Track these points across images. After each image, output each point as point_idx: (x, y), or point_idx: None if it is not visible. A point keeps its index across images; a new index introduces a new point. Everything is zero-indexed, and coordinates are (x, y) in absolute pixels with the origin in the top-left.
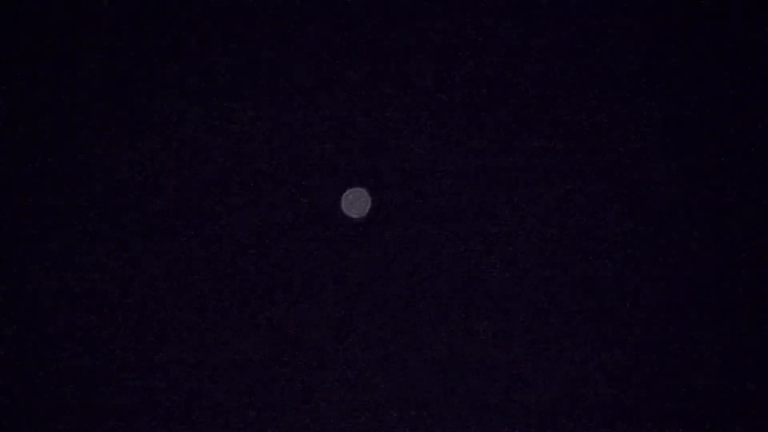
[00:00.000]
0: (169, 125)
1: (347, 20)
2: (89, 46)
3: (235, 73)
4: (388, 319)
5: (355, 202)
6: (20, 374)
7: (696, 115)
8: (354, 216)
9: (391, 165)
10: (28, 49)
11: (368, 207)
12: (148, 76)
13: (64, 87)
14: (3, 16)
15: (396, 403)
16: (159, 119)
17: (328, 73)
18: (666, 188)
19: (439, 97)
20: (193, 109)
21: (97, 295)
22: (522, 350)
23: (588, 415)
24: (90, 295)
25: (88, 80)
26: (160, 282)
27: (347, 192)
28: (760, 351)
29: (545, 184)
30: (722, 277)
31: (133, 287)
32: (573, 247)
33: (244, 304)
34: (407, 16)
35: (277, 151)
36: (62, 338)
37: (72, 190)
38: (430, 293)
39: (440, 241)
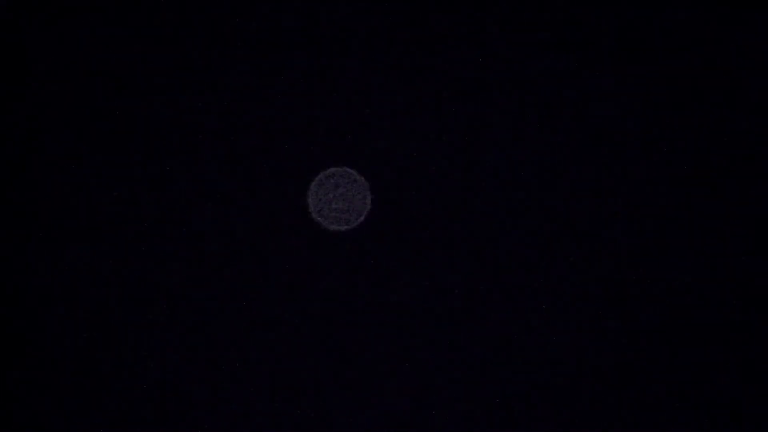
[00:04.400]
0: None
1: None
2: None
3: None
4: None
5: (334, 198)
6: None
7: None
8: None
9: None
10: (27, 48)
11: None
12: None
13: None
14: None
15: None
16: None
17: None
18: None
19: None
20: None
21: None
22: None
23: (588, 415)
24: (88, 295)
25: (86, 80)
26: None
27: (320, 176)
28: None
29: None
30: (722, 277)
31: (118, 287)
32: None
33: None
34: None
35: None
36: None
37: (70, 189)
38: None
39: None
